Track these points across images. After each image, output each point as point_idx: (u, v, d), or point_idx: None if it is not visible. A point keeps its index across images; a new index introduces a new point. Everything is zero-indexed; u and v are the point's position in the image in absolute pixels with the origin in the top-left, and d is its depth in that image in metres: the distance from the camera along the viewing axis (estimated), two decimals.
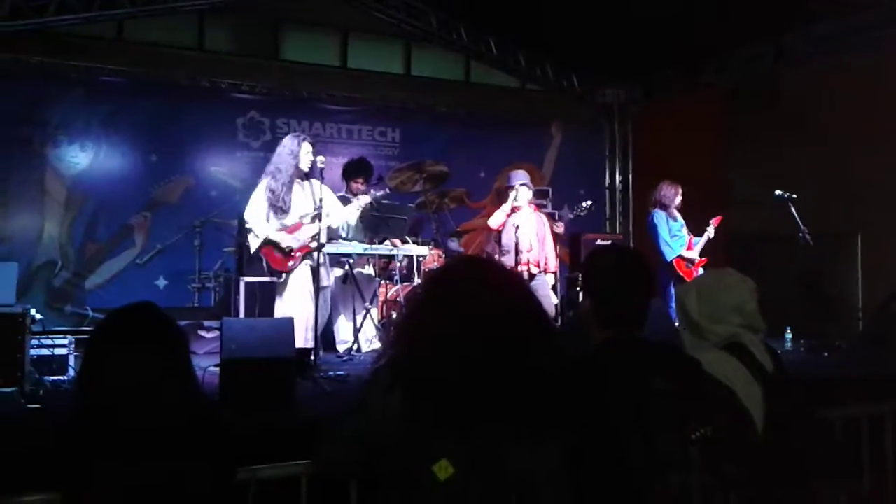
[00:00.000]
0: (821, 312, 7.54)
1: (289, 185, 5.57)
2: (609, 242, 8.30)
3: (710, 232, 7.09)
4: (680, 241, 7.04)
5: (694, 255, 6.99)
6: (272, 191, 5.53)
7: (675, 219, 7.12)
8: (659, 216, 7.08)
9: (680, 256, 6.97)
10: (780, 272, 7.18)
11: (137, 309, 2.03)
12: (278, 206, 5.54)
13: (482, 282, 1.82)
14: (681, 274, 6.92)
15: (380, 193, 6.20)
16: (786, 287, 6.95)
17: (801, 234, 6.95)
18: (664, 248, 7.00)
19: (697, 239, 7.11)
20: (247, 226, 5.61)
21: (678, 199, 7.16)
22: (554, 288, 7.11)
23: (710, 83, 9.20)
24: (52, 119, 8.17)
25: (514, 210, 6.80)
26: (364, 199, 6.12)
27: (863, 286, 8.35)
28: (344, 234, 5.96)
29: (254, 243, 5.57)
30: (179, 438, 1.92)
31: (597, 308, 2.19)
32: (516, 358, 1.71)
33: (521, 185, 6.83)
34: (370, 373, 1.91)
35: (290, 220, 5.59)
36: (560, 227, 7.37)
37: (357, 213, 6.22)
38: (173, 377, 1.96)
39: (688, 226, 7.22)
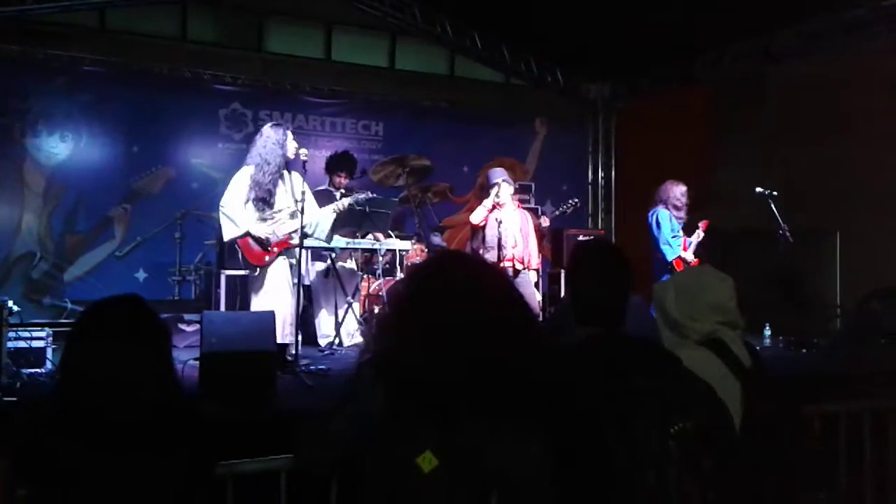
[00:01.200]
0: (799, 309, 7.60)
1: (276, 178, 5.44)
2: (591, 238, 8.31)
3: (698, 235, 7.06)
4: (678, 241, 7.01)
5: (689, 255, 6.97)
6: (259, 183, 5.39)
7: (678, 219, 7.07)
8: (663, 214, 6.97)
9: (679, 257, 6.95)
10: (760, 269, 7.23)
11: (122, 301, 2.02)
12: (263, 199, 5.41)
13: (464, 277, 1.81)
14: None
15: (361, 196, 6.09)
16: (765, 284, 7.00)
17: (780, 232, 6.99)
18: (664, 247, 6.93)
19: (689, 240, 7.08)
20: (223, 212, 5.44)
21: (685, 199, 7.08)
22: (536, 285, 7.12)
23: (697, 80, 9.22)
24: (32, 109, 8.08)
25: (496, 206, 6.78)
26: (344, 202, 5.92)
27: (841, 284, 8.43)
28: (310, 232, 5.75)
29: (230, 232, 5.42)
30: (159, 432, 1.92)
31: (576, 304, 2.19)
32: (498, 354, 1.70)
33: (502, 181, 6.81)
34: (353, 369, 1.90)
35: (271, 213, 5.48)
36: (546, 222, 7.37)
37: (332, 217, 5.90)
38: (155, 371, 1.95)
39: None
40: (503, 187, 6.78)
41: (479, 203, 7.09)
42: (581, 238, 8.02)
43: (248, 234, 5.40)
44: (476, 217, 6.85)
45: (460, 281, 1.79)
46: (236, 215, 5.39)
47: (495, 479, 1.65)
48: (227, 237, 5.49)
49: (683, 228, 7.11)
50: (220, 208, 5.49)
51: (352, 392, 1.84)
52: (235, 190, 5.44)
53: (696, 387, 2.00)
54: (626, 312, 2.16)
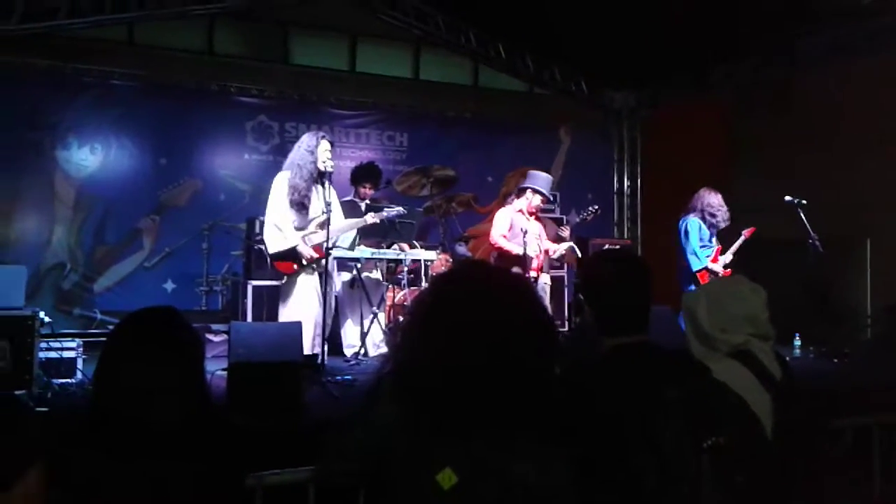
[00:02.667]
0: (829, 319, 7.50)
1: (310, 183, 5.50)
2: (617, 247, 8.26)
3: (740, 242, 6.95)
4: (707, 252, 6.89)
5: (718, 267, 6.83)
6: (295, 188, 5.46)
7: (712, 226, 6.96)
8: (693, 223, 6.87)
9: (706, 268, 6.84)
10: (789, 278, 7.13)
11: (157, 313, 2.03)
12: (300, 203, 5.47)
13: (486, 287, 1.78)
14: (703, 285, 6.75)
15: (392, 214, 6.09)
16: (794, 293, 6.90)
17: (810, 241, 6.90)
18: (691, 257, 6.83)
19: (726, 252, 6.97)
20: (272, 222, 5.49)
21: (722, 208, 6.92)
22: (562, 293, 7.07)
23: (720, 89, 9.16)
24: (62, 122, 8.22)
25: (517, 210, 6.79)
26: (371, 219, 5.93)
27: (872, 293, 8.30)
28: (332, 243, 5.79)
29: (278, 244, 5.45)
30: (191, 443, 1.92)
31: (598, 316, 2.17)
32: (519, 365, 1.68)
33: (541, 191, 6.80)
34: (373, 380, 1.88)
35: (307, 220, 5.52)
36: (566, 232, 7.34)
37: (356, 228, 6.00)
38: (189, 382, 1.96)
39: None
40: (534, 199, 6.77)
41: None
42: (607, 247, 7.97)
43: (294, 248, 5.43)
44: (498, 236, 6.78)
45: (481, 291, 1.76)
46: (286, 228, 5.44)
47: (519, 492, 1.62)
48: (273, 249, 5.50)
49: (719, 237, 7.01)
50: (268, 219, 5.53)
51: (369, 404, 1.81)
52: (278, 197, 5.50)
53: (727, 400, 1.97)
54: (648, 319, 2.13)
